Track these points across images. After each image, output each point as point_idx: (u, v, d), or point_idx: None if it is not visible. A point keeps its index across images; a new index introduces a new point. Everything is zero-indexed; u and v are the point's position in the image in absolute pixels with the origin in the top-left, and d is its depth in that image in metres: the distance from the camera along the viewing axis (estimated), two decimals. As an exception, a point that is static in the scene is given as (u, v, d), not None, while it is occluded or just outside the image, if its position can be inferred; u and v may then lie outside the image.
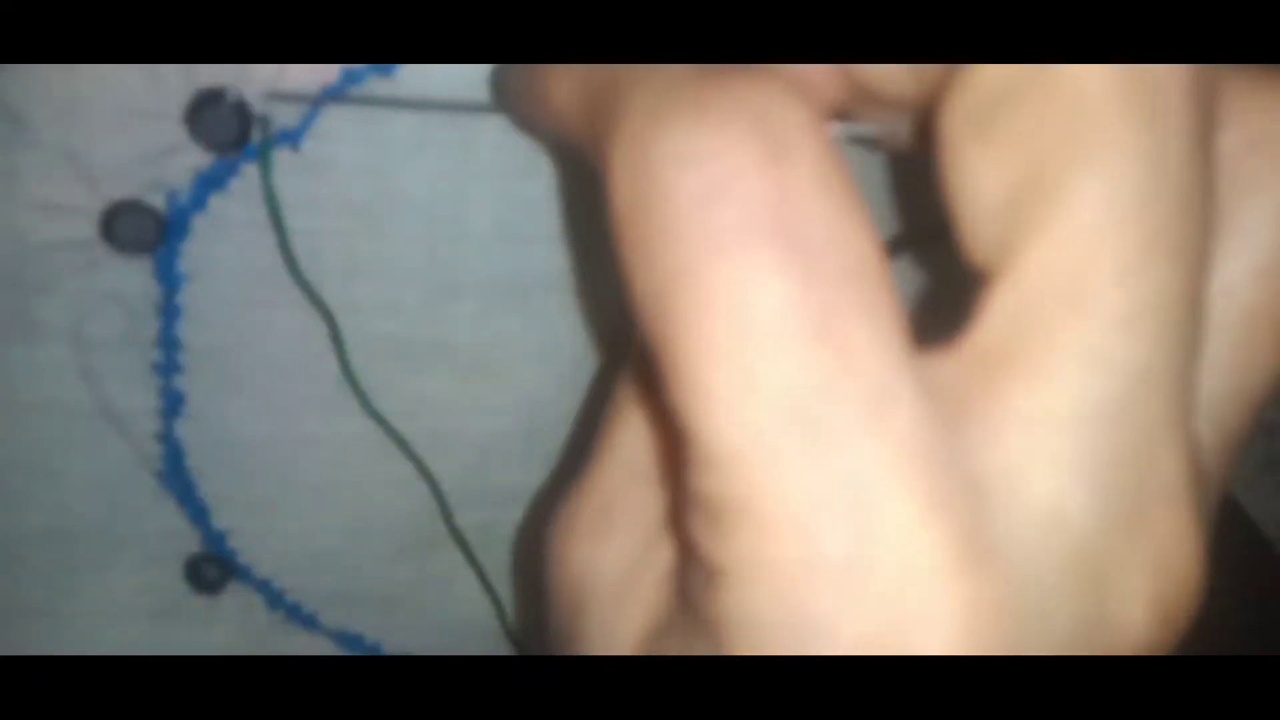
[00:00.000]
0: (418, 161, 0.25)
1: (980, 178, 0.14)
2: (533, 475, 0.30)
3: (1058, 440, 0.13)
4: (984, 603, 0.13)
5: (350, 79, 0.23)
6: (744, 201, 0.13)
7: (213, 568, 0.28)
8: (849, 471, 0.13)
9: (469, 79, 0.23)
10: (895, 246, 0.27)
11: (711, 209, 0.13)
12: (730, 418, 0.13)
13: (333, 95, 0.23)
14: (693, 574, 0.15)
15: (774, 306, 0.13)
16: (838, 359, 0.13)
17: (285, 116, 0.23)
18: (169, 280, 0.24)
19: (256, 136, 0.23)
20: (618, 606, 0.18)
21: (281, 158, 0.24)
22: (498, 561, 0.31)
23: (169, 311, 0.25)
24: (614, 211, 0.14)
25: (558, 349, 0.28)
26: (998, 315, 0.14)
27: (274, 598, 0.29)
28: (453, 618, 0.31)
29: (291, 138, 0.23)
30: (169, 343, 0.25)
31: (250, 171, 0.24)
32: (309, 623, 0.30)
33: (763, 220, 0.13)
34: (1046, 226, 0.13)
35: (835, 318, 0.13)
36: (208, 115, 0.23)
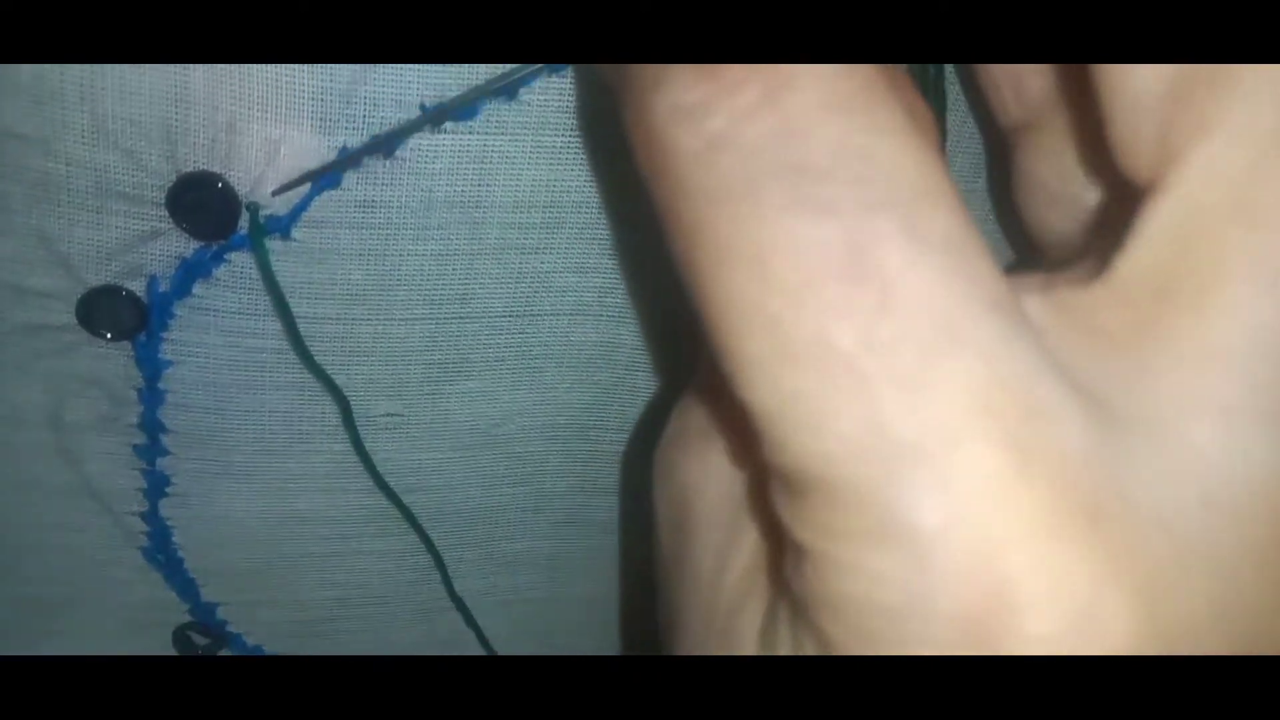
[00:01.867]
0: (421, 245, 0.23)
1: (1133, 68, 0.11)
2: (538, 544, 0.29)
3: (1230, 381, 0.11)
4: (1100, 572, 0.11)
5: (344, 161, 0.21)
6: (746, 146, 0.11)
7: (201, 636, 0.27)
8: (911, 427, 0.11)
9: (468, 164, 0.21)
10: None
11: (714, 161, 0.12)
12: (766, 379, 0.11)
13: (329, 183, 0.21)
14: (784, 551, 0.13)
15: (791, 249, 0.11)
16: (878, 297, 0.11)
17: (275, 203, 0.21)
18: (151, 365, 0.23)
19: (244, 224, 0.21)
20: (727, 536, 0.15)
21: (273, 245, 0.22)
22: (499, 625, 0.30)
23: (151, 397, 0.23)
24: (640, 175, 0.13)
25: (566, 422, 0.27)
26: (1155, 236, 0.11)
27: (266, 662, 0.28)
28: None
29: (281, 226, 0.21)
30: (151, 427, 0.24)
31: (238, 259, 0.22)
32: (303, 684, 0.29)
33: (767, 160, 0.11)
34: (1215, 124, 0.11)
35: (869, 250, 0.11)
36: (191, 201, 0.21)
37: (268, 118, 0.20)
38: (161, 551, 0.26)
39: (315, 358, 0.23)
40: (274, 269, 0.22)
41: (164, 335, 0.22)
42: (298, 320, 0.23)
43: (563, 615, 0.30)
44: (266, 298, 0.22)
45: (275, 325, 0.23)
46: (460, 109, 0.21)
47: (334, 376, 0.24)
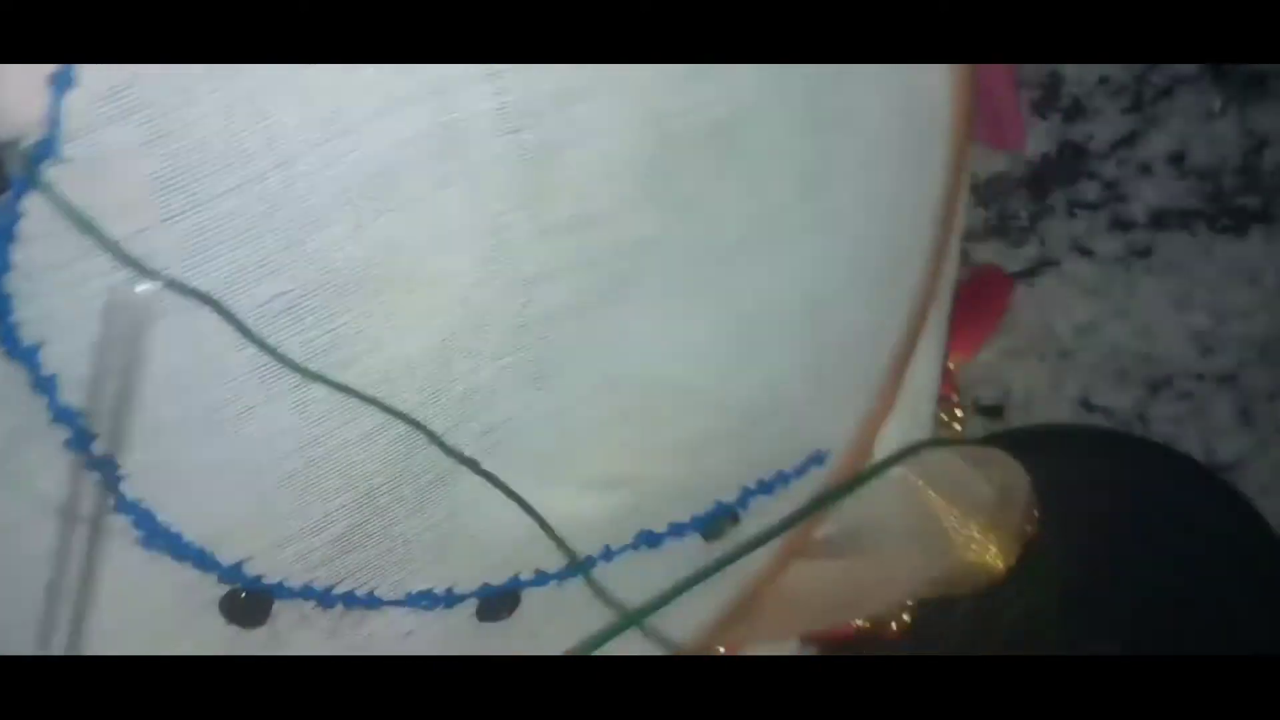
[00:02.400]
0: (202, 101, 0.22)
1: None
2: (503, 361, 0.28)
3: None
4: None
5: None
6: None
7: (248, 597, 0.27)
8: None
9: None
10: None
11: None
12: None
13: (65, 84, 0.20)
14: None
15: None
16: None
17: (30, 133, 0.21)
18: (23, 356, 0.22)
19: (13, 166, 0.21)
20: None
21: (54, 173, 0.21)
22: (509, 466, 0.29)
23: (44, 385, 0.23)
24: None
25: (460, 231, 0.26)
26: None
27: (324, 597, 0.28)
28: (499, 537, 0.29)
29: (48, 150, 0.21)
30: (65, 415, 0.23)
31: (33, 207, 0.21)
32: (371, 602, 0.29)
33: None
34: None
35: None
36: (-49, 170, 0.20)
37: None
38: (157, 535, 0.25)
39: (170, 269, 0.23)
40: (65, 196, 0.21)
41: (14, 320, 0.22)
42: (130, 240, 0.22)
43: (576, 418, 0.29)
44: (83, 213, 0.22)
45: (109, 258, 0.22)
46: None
47: (193, 277, 0.23)
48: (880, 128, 0.31)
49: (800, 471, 0.34)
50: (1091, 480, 0.44)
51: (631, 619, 0.31)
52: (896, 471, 0.33)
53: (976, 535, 0.35)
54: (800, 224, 0.30)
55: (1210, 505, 0.45)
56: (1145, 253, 0.50)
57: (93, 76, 0.21)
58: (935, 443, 0.36)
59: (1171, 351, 0.50)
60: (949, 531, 0.34)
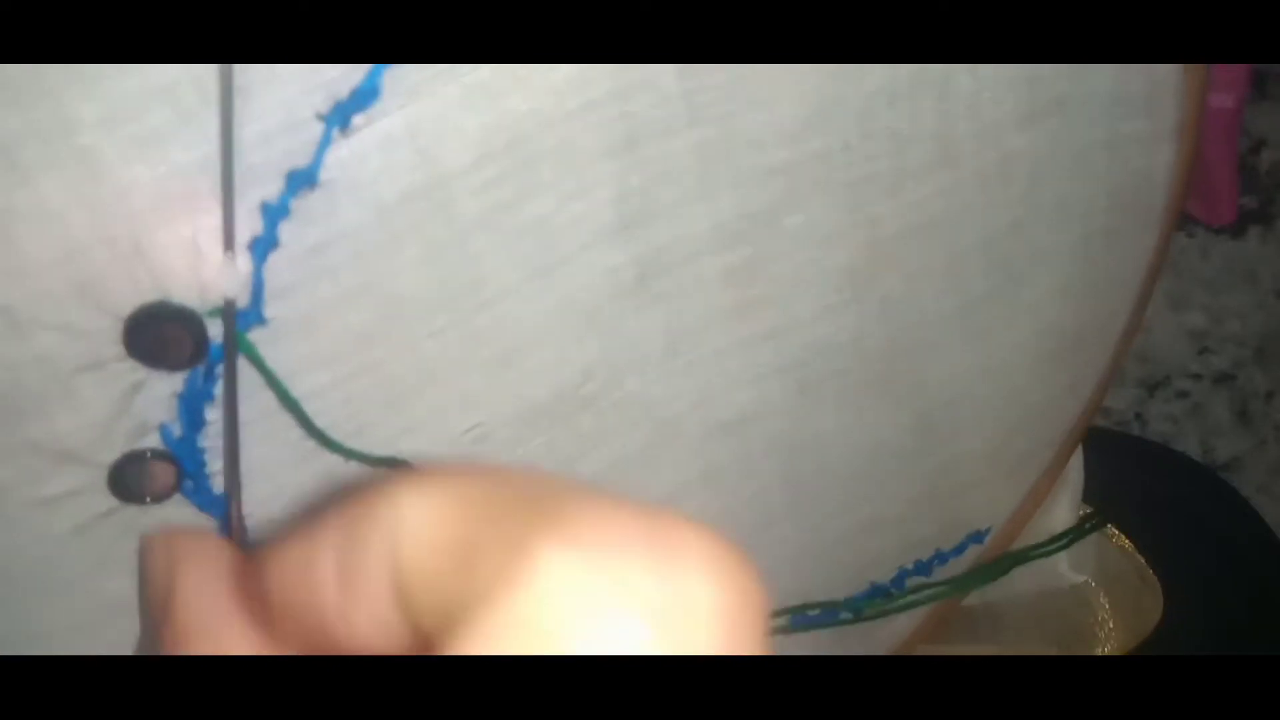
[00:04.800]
0: (400, 255, 0.20)
1: None
2: (680, 479, 0.26)
3: None
4: None
5: (272, 215, 0.18)
6: None
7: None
8: None
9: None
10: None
11: None
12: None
13: (268, 246, 0.18)
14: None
15: None
16: None
17: (236, 297, 0.19)
18: (213, 505, 0.21)
19: (214, 334, 0.19)
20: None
21: (254, 336, 0.19)
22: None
23: (232, 530, 0.21)
24: None
25: (657, 349, 0.24)
26: None
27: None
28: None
29: (251, 316, 0.19)
30: (252, 557, 0.22)
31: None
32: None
33: None
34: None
35: None
36: (150, 339, 0.18)
37: (168, 218, 0.18)
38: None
39: (367, 415, 0.21)
40: (270, 354, 0.19)
41: (206, 473, 0.20)
42: (330, 387, 0.20)
43: (747, 518, 0.28)
44: (284, 385, 0.20)
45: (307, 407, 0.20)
46: (360, 95, 0.18)
47: (396, 420, 0.21)
48: (1093, 216, 0.28)
49: (959, 549, 0.32)
50: (1089, 480, 0.43)
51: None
52: (1069, 570, 0.32)
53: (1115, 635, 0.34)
54: (997, 316, 0.28)
55: (1207, 504, 0.45)
56: (1143, 253, 0.48)
57: (293, 236, 0.19)
58: (1093, 525, 0.35)
59: (1169, 351, 0.49)
60: (1098, 639, 0.33)
